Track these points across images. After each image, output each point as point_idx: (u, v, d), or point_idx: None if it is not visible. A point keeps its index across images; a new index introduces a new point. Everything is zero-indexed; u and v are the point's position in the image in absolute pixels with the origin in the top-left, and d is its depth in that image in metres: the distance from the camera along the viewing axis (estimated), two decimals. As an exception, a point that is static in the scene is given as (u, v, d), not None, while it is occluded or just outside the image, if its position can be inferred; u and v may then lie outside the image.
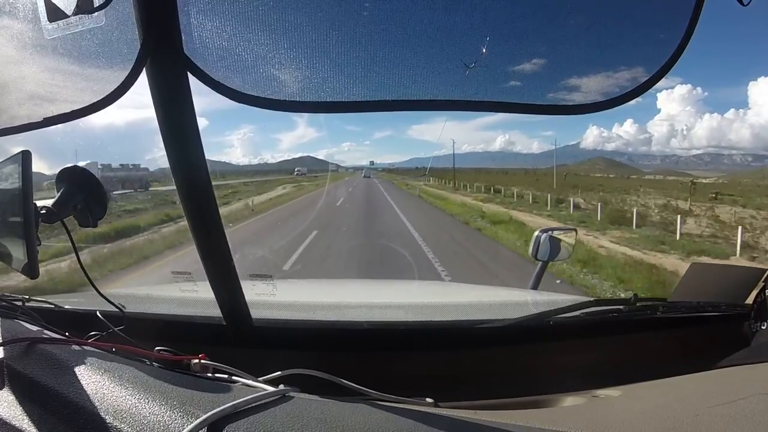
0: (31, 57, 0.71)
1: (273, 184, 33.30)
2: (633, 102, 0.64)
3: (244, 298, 0.85)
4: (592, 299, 1.09)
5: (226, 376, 0.69)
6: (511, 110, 0.65)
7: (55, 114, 0.69)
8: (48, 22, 0.65)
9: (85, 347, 0.69)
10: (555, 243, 1.69)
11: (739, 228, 12.01)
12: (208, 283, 0.82)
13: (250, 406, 0.57)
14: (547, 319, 0.97)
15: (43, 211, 0.73)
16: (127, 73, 0.62)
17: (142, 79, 0.64)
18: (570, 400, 0.77)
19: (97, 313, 0.83)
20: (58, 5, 0.63)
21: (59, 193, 0.77)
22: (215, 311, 0.86)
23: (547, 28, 0.63)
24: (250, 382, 0.67)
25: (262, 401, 0.58)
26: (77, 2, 0.61)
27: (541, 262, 1.68)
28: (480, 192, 28.84)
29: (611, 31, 0.63)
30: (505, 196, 25.69)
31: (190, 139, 0.69)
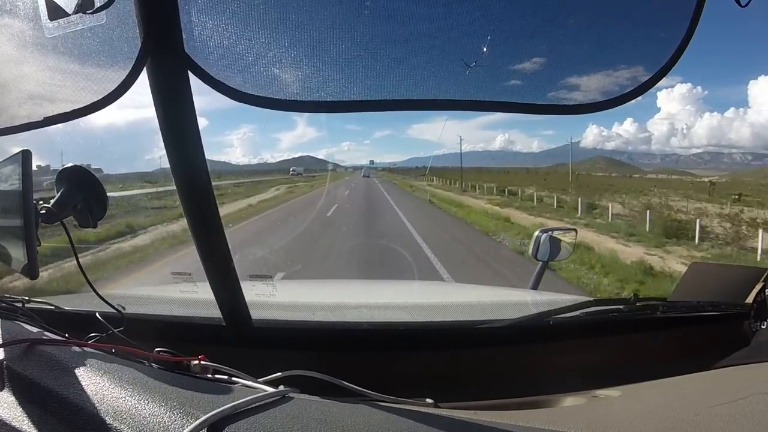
0: (32, 56, 0.71)
1: (267, 186, 31.56)
2: (633, 101, 0.64)
3: (244, 298, 0.85)
4: (591, 299, 1.09)
5: (225, 376, 0.69)
6: (512, 110, 0.65)
7: (55, 113, 0.69)
8: (48, 21, 0.65)
9: (84, 348, 0.68)
10: (555, 243, 1.70)
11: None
12: (207, 284, 0.81)
13: (250, 406, 0.56)
14: (547, 319, 0.97)
15: (43, 212, 0.73)
16: (127, 71, 0.62)
17: (143, 79, 0.64)
18: (570, 401, 0.77)
19: (97, 315, 0.83)
20: (59, 4, 0.63)
21: (59, 193, 0.77)
22: (215, 312, 0.86)
23: (547, 28, 0.63)
24: (250, 382, 0.67)
25: (262, 402, 0.58)
26: (79, 0, 0.61)
27: (541, 262, 1.69)
28: (492, 194, 24.59)
29: (611, 30, 0.63)
30: (522, 199, 21.74)
31: (190, 139, 0.68)
